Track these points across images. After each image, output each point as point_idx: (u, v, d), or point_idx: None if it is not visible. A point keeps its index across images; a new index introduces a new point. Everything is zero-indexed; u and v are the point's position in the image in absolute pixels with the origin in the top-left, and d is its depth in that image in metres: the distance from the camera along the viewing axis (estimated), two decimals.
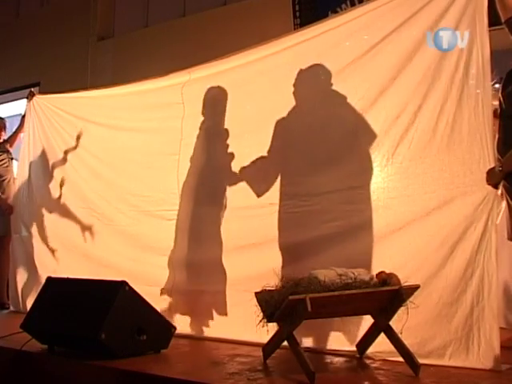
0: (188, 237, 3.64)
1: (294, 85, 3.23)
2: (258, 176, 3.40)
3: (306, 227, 3.12)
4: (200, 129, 3.69)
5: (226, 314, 3.36)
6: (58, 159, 4.69)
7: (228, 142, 3.57)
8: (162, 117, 3.99)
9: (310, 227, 3.11)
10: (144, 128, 4.09)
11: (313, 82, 3.23)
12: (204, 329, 3.48)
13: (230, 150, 3.54)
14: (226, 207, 3.53)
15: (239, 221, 3.46)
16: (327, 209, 3.06)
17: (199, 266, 3.55)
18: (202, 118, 3.69)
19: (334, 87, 3.12)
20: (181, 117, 3.79)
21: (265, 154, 3.35)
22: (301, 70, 3.22)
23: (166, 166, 3.86)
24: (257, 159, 3.37)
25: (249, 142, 3.51)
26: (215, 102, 3.67)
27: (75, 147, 4.54)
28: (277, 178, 3.27)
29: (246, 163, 3.44)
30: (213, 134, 3.68)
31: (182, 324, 3.47)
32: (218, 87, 3.64)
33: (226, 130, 3.60)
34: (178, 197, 3.75)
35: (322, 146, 3.17)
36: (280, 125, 3.29)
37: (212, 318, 3.43)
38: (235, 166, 3.52)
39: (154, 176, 3.97)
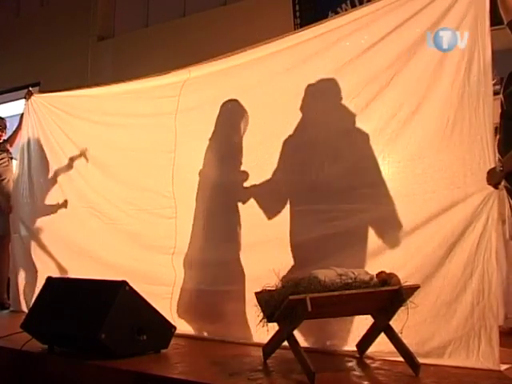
0: (204, 238, 3.59)
1: (303, 99, 3.18)
2: (269, 197, 3.32)
3: (306, 227, 3.12)
4: (210, 139, 3.61)
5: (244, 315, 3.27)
6: (57, 158, 4.69)
7: (242, 159, 3.48)
8: (160, 115, 3.99)
9: (310, 227, 3.11)
10: (142, 126, 4.09)
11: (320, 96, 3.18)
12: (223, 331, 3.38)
13: (242, 168, 3.47)
14: (239, 216, 3.46)
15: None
16: (326, 209, 3.06)
17: (217, 267, 3.49)
18: (212, 129, 3.61)
19: (343, 101, 3.08)
20: (175, 115, 3.80)
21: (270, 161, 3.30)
22: (309, 85, 3.18)
23: (161, 164, 3.86)
24: (267, 180, 3.30)
25: (248, 141, 3.51)
26: (231, 116, 3.58)
27: (79, 155, 4.54)
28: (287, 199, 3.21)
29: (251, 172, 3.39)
30: (226, 149, 3.60)
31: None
32: (235, 101, 3.56)
33: (241, 146, 3.50)
34: (174, 195, 3.74)
35: (322, 143, 3.17)
36: (288, 141, 3.24)
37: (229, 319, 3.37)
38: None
39: (151, 174, 3.97)
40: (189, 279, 3.60)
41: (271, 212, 3.28)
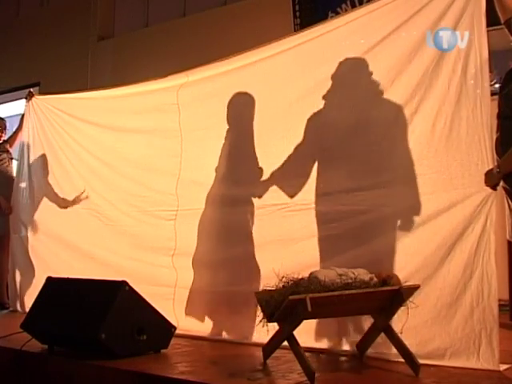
0: (215, 238, 3.54)
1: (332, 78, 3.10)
2: (288, 177, 3.26)
3: (306, 228, 3.13)
4: (225, 138, 3.55)
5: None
6: (57, 159, 4.69)
7: (256, 153, 3.41)
8: (160, 118, 3.99)
9: (311, 228, 3.11)
10: (143, 129, 4.09)
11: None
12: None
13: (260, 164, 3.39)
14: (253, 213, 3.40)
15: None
16: (327, 210, 3.06)
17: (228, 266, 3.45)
18: (226, 127, 3.56)
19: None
20: (178, 118, 3.79)
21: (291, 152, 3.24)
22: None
23: (165, 167, 3.87)
24: (285, 161, 3.24)
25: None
26: (240, 111, 3.52)
27: None
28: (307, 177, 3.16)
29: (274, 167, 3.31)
30: (238, 146, 3.54)
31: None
32: (244, 94, 3.49)
33: (252, 142, 3.43)
34: (177, 198, 3.74)
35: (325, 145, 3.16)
36: (312, 121, 3.17)
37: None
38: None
39: (153, 177, 3.97)
40: (199, 280, 3.53)
41: (293, 189, 3.20)
